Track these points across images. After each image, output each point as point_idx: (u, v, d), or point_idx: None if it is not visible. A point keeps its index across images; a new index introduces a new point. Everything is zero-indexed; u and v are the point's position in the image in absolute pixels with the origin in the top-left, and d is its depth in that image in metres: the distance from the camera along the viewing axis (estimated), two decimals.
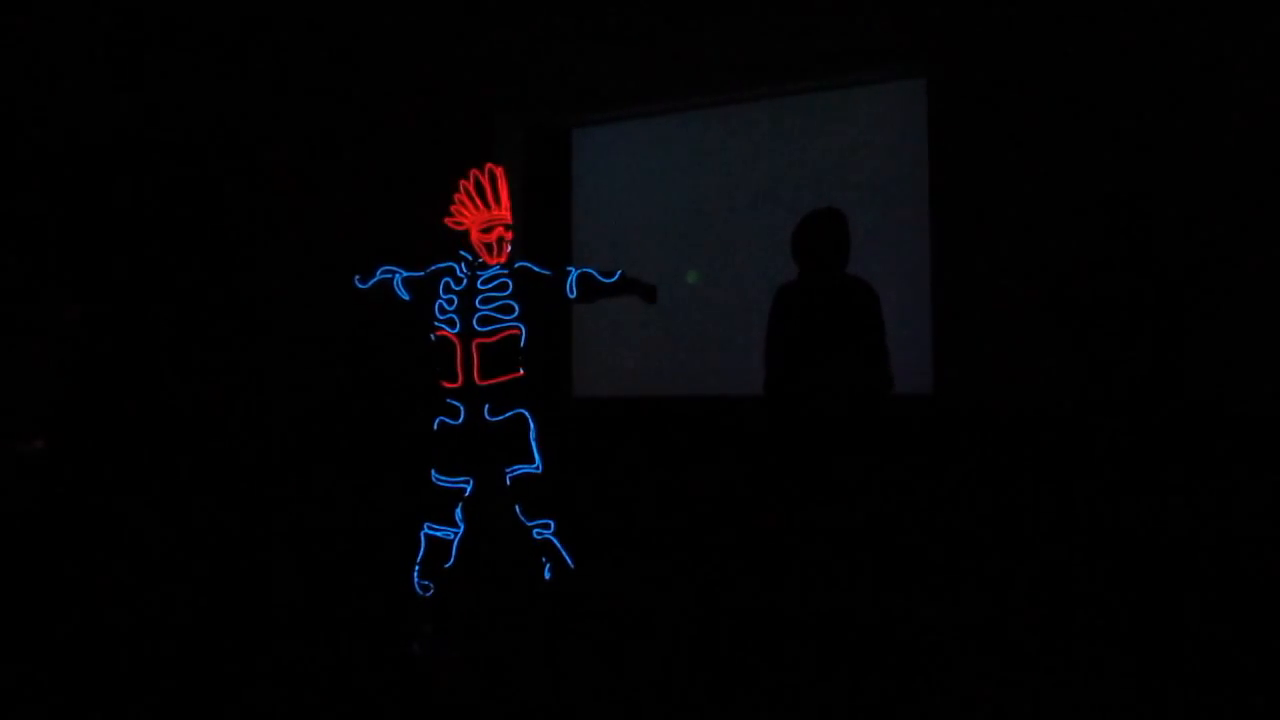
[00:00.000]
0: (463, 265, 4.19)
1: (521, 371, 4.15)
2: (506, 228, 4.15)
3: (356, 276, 4.35)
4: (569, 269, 4.21)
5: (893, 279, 5.32)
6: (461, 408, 4.12)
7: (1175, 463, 3.92)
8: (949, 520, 4.85)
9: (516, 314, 4.10)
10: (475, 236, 4.16)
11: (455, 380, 4.09)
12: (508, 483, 4.12)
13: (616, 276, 4.18)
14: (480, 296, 4.10)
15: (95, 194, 7.20)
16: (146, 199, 7.42)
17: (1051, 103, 5.24)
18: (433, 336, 4.20)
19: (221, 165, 7.78)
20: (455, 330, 4.09)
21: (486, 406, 4.07)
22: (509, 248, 4.18)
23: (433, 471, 4.21)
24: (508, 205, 4.19)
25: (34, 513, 5.67)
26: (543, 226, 6.72)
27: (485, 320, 4.07)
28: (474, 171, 4.20)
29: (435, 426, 4.22)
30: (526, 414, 4.11)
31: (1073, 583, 4.01)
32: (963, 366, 5.37)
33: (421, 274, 4.25)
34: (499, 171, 4.21)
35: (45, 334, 6.05)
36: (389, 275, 4.28)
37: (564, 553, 4.12)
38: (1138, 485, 3.95)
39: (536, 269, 4.18)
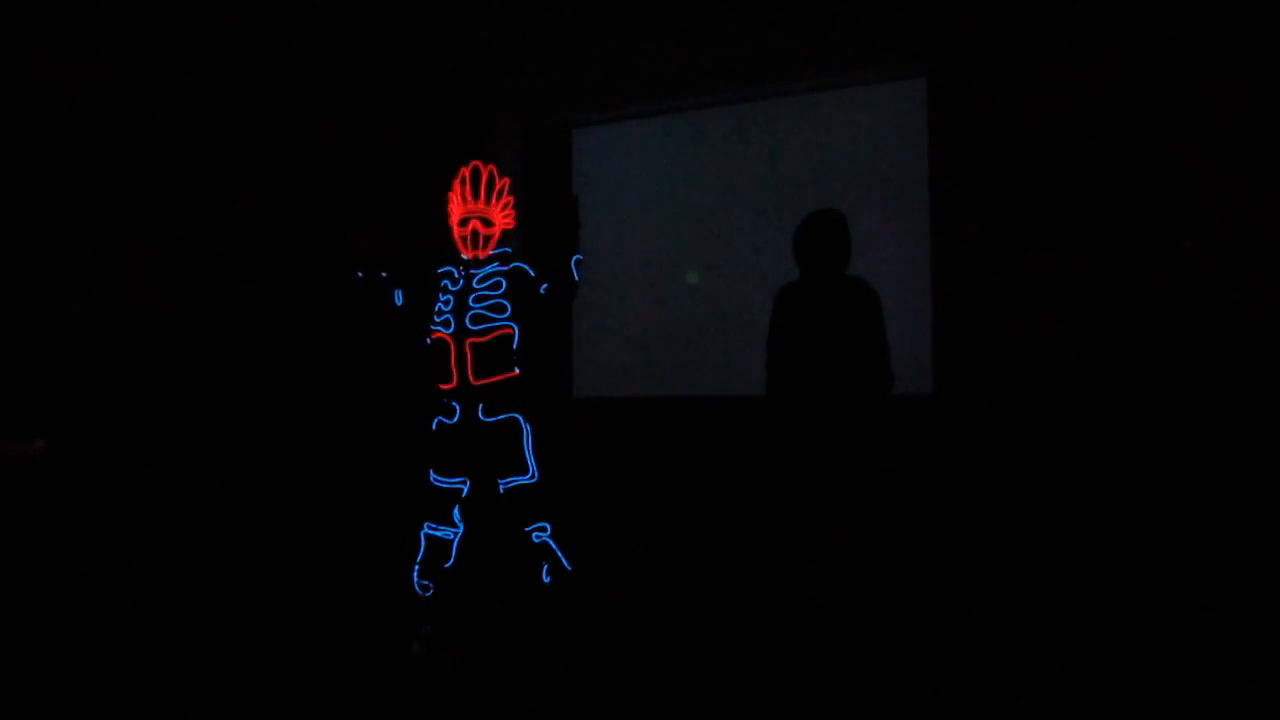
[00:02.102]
0: (460, 267, 4.19)
1: (516, 371, 4.13)
2: (484, 223, 4.15)
3: (359, 273, 4.30)
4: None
5: (893, 279, 5.32)
6: (457, 407, 4.11)
7: (1174, 462, 3.91)
8: (948, 520, 4.85)
9: (509, 313, 4.08)
10: (454, 229, 4.18)
11: (450, 381, 4.08)
12: (501, 490, 4.12)
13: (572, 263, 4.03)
14: (474, 295, 4.08)
15: (95, 193, 7.20)
16: (145, 199, 7.42)
17: (1052, 102, 5.24)
18: (428, 340, 4.19)
19: (220, 164, 7.78)
20: (450, 330, 4.08)
21: (481, 406, 4.06)
22: (492, 245, 4.18)
23: (430, 471, 4.21)
24: (497, 203, 4.19)
25: (34, 513, 5.66)
26: (542, 227, 6.73)
27: (477, 319, 4.05)
28: (474, 163, 4.22)
29: (434, 426, 4.22)
30: (520, 419, 4.10)
31: (1072, 582, 4.01)
32: (963, 366, 5.37)
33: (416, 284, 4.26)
34: (492, 170, 4.22)
35: (45, 334, 6.05)
36: (386, 283, 4.28)
37: (561, 556, 4.12)
38: (1137, 485, 3.95)
39: (531, 271, 4.15)
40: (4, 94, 6.66)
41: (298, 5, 6.74)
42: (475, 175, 4.18)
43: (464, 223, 4.16)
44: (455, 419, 4.11)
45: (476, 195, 4.17)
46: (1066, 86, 5.21)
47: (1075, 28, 5.21)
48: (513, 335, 4.09)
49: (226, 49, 6.52)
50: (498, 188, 4.22)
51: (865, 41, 5.80)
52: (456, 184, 4.20)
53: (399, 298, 4.28)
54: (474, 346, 4.03)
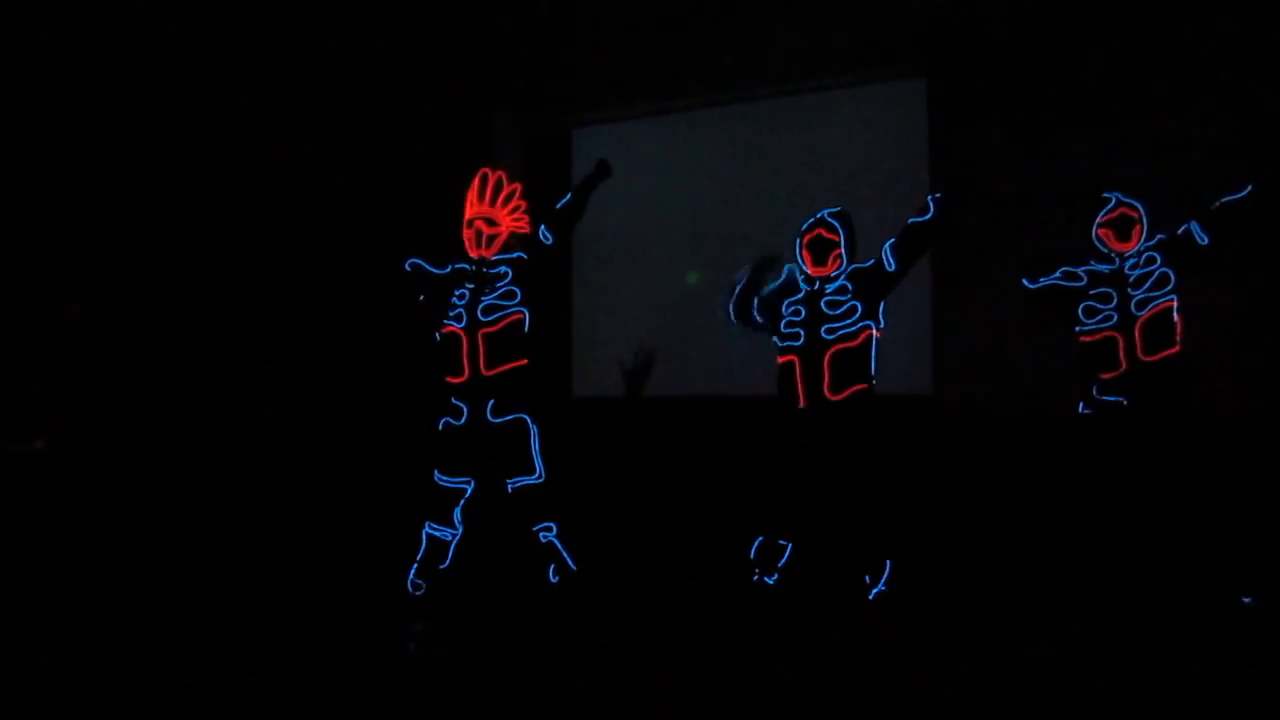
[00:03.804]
0: (470, 265, 4.26)
1: (526, 360, 4.19)
2: (488, 223, 4.25)
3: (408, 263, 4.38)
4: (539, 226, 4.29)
5: None
6: (465, 408, 4.13)
7: (1173, 462, 3.92)
8: (948, 519, 4.85)
9: (519, 299, 4.17)
10: (464, 229, 4.25)
11: (461, 374, 4.13)
12: (509, 491, 4.14)
13: (568, 197, 4.30)
14: (485, 288, 4.17)
15: (96, 194, 7.19)
16: (146, 200, 7.41)
17: (1051, 103, 5.24)
18: (438, 335, 4.26)
19: (221, 164, 7.77)
20: (462, 325, 4.14)
21: (490, 404, 4.09)
22: (497, 244, 4.27)
23: (435, 472, 4.23)
24: (504, 207, 4.29)
25: (34, 513, 5.66)
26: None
27: (490, 309, 4.13)
28: (483, 169, 4.32)
29: (440, 427, 4.24)
30: (528, 420, 4.13)
31: (1072, 582, 4.01)
32: (963, 366, 5.38)
33: (441, 272, 4.30)
34: (501, 175, 4.32)
35: (45, 334, 6.05)
36: (416, 271, 4.35)
37: (566, 555, 4.13)
38: (1137, 484, 3.95)
39: (524, 254, 4.28)
40: (5, 96, 6.66)
41: (298, 6, 6.74)
42: (484, 180, 4.30)
43: (470, 224, 4.26)
44: (462, 420, 4.14)
45: (482, 198, 4.28)
46: (1065, 87, 5.22)
47: (1074, 28, 5.22)
48: (523, 320, 4.18)
49: (227, 50, 6.52)
50: (505, 192, 4.31)
51: (865, 43, 5.80)
52: (472, 187, 4.31)
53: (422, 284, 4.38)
54: (486, 336, 4.10)
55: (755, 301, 4.30)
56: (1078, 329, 4.15)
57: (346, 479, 6.29)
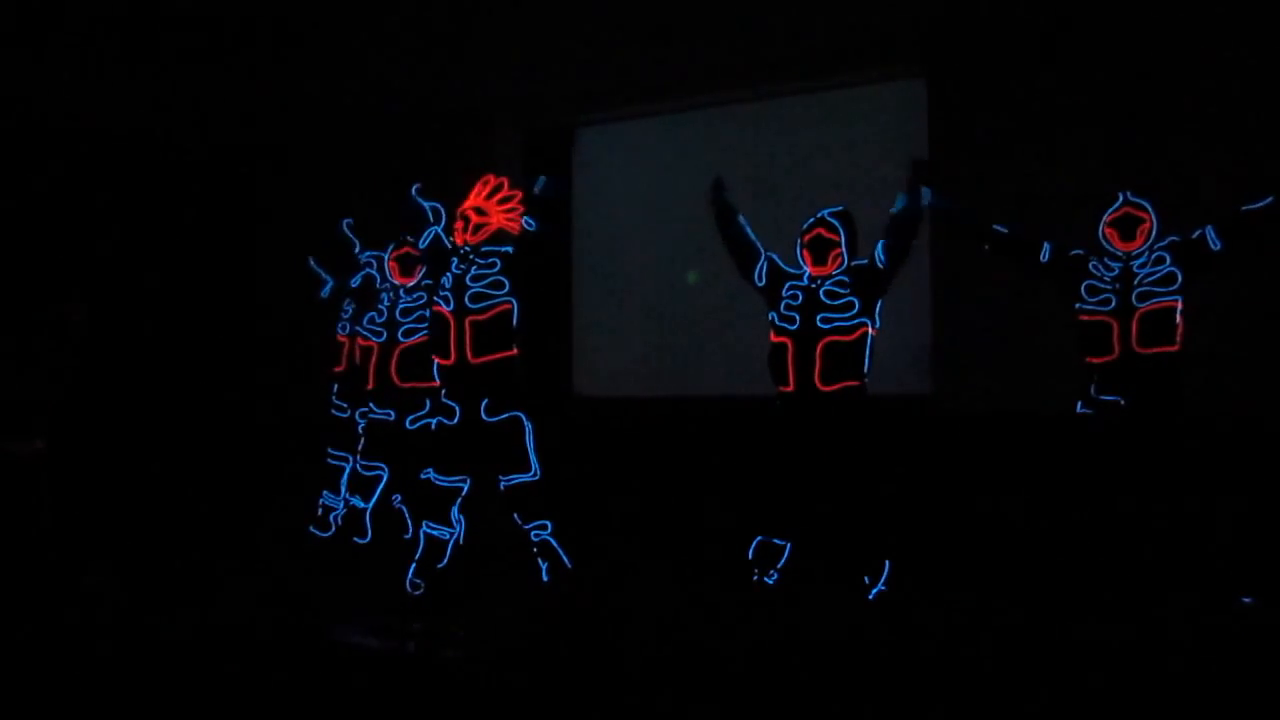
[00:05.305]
0: (458, 257, 4.29)
1: (515, 350, 4.20)
2: (477, 211, 4.28)
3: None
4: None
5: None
6: (457, 408, 4.14)
7: (1172, 462, 3.92)
8: (948, 520, 4.84)
9: (507, 289, 4.18)
10: (456, 221, 4.32)
11: (448, 357, 4.13)
12: (502, 488, 4.14)
13: (541, 181, 4.36)
14: (471, 275, 4.18)
15: (96, 195, 7.20)
16: (146, 201, 7.42)
17: (1050, 103, 5.24)
18: (428, 312, 4.30)
19: (221, 165, 7.78)
20: (450, 308, 4.15)
21: (484, 404, 4.09)
22: (483, 234, 4.27)
23: (430, 471, 4.22)
24: (495, 201, 4.30)
25: (34, 513, 5.67)
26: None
27: (477, 297, 4.14)
28: (486, 176, 4.38)
29: (433, 427, 4.25)
30: (523, 418, 4.14)
31: (1072, 582, 4.01)
32: (962, 367, 5.37)
33: (448, 245, 4.36)
34: (503, 181, 4.37)
35: (45, 334, 6.06)
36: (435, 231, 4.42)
37: (561, 553, 4.13)
38: (1137, 485, 3.95)
39: (510, 249, 4.30)
40: (8, 99, 6.67)
41: (299, 8, 6.75)
42: (484, 183, 4.36)
43: (460, 214, 4.31)
44: (455, 419, 4.14)
45: (478, 196, 4.31)
46: (1064, 87, 5.22)
47: (1073, 29, 5.21)
48: (512, 310, 4.18)
49: (227, 53, 6.53)
50: (503, 193, 4.33)
51: (865, 43, 5.80)
52: (473, 189, 4.37)
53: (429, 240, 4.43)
54: (474, 324, 4.11)
55: None
56: (1077, 305, 4.15)
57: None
